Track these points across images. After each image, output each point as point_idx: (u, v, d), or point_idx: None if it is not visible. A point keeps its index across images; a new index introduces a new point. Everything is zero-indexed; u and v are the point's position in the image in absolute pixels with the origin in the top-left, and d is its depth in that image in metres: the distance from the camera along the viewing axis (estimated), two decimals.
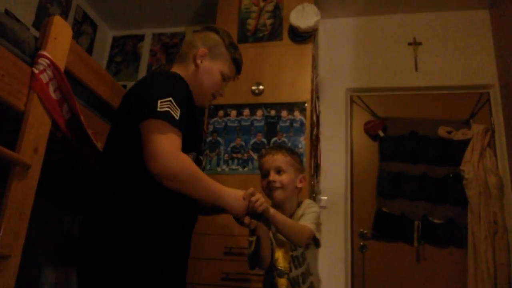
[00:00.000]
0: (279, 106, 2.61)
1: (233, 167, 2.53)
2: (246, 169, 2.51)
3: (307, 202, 1.63)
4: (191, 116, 1.31)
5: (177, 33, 3.76)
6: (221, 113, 2.66)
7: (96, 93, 1.73)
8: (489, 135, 2.91)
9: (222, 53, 1.49)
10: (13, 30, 1.33)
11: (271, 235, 1.53)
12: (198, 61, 1.46)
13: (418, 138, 3.04)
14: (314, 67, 2.85)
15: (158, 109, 1.18)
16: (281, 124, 2.57)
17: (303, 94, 2.61)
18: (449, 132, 2.98)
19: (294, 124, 2.56)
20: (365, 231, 2.92)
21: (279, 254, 1.53)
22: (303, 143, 2.49)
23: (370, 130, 3.14)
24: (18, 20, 2.70)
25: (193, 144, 1.34)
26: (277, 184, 1.58)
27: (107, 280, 1.16)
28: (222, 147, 2.58)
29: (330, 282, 2.58)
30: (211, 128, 2.64)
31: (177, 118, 1.20)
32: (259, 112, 2.63)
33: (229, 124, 2.64)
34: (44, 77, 1.37)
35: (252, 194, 1.31)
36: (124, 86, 3.48)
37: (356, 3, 3.28)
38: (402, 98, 3.20)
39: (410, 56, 3.22)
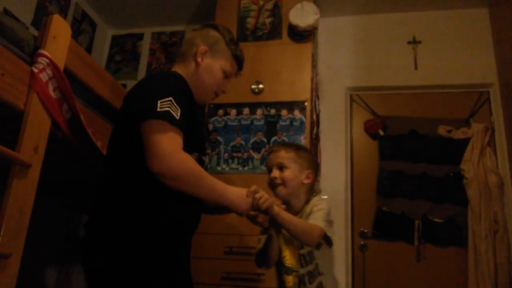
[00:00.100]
0: (279, 105, 2.61)
1: (233, 166, 2.53)
2: (246, 168, 2.51)
3: (315, 199, 1.60)
4: (193, 116, 1.31)
5: (176, 32, 3.75)
6: (221, 112, 2.66)
7: (95, 92, 1.72)
8: (489, 134, 2.91)
9: (222, 50, 1.48)
10: (12, 29, 1.32)
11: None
12: (199, 59, 1.45)
13: (418, 137, 3.03)
14: (314, 66, 2.85)
15: (158, 109, 1.18)
16: (281, 123, 2.57)
17: (303, 93, 2.61)
18: (449, 131, 2.98)
19: (294, 123, 2.55)
20: (365, 231, 2.92)
21: (287, 252, 1.53)
22: (303, 142, 2.49)
23: (370, 129, 3.14)
24: (17, 19, 2.69)
25: (195, 144, 1.34)
26: (278, 181, 1.57)
27: (110, 281, 1.16)
28: (222, 146, 2.58)
29: (330, 282, 2.57)
30: (211, 127, 2.63)
31: (178, 117, 1.19)
32: (259, 111, 2.63)
33: (229, 123, 2.63)
34: (43, 76, 1.37)
35: (256, 192, 1.30)
36: (124, 85, 3.48)
37: (355, 1, 3.27)
38: (402, 97, 3.20)
39: (410, 55, 3.22)
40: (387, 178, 2.98)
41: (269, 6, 2.90)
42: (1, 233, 1.18)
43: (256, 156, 2.52)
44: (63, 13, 3.23)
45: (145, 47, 3.79)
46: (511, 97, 2.75)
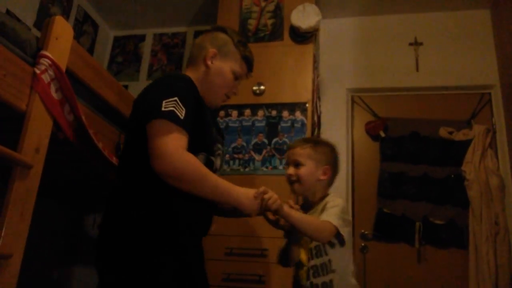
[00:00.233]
0: (280, 107, 2.61)
1: (234, 167, 2.53)
2: (247, 169, 2.51)
3: (330, 195, 1.59)
4: (200, 117, 1.31)
5: (178, 33, 3.76)
6: (222, 113, 2.66)
7: (97, 93, 1.73)
8: (490, 135, 2.91)
9: (231, 52, 1.49)
10: (14, 30, 1.32)
11: None
12: (208, 62, 1.46)
13: (419, 138, 3.03)
14: (315, 67, 2.85)
15: (163, 109, 1.19)
16: (282, 124, 2.57)
17: (304, 95, 2.61)
18: (450, 133, 2.98)
19: (295, 125, 2.55)
20: (366, 232, 2.92)
21: (301, 248, 1.54)
22: None
23: (371, 131, 3.14)
24: (19, 20, 2.70)
25: (202, 144, 1.34)
26: (293, 178, 1.58)
27: (121, 282, 1.18)
28: (223, 148, 2.58)
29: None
30: None
31: (182, 117, 1.20)
32: (260, 113, 2.63)
33: (230, 124, 2.64)
34: (45, 77, 1.37)
35: (264, 192, 1.29)
36: (125, 86, 3.49)
37: (357, 3, 3.28)
38: (403, 99, 3.20)
39: (411, 56, 3.22)
40: (388, 180, 2.98)
41: (271, 7, 2.91)
42: (2, 234, 1.18)
43: (257, 157, 2.52)
44: (66, 14, 3.24)
45: (147, 48, 3.80)
46: None
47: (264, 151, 2.53)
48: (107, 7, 3.58)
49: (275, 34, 2.82)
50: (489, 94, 3.07)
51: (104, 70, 1.90)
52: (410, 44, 3.24)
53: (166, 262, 1.20)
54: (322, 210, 1.50)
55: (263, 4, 2.92)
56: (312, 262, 1.50)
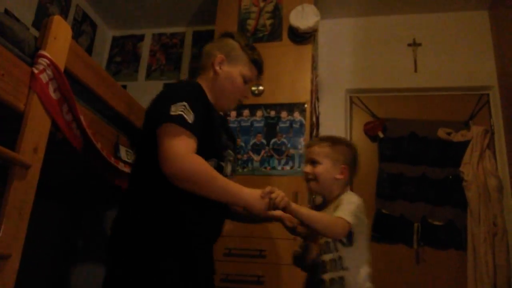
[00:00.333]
0: (278, 107, 2.61)
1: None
2: (245, 169, 2.51)
3: (346, 193, 1.58)
4: (210, 123, 1.33)
5: (177, 33, 3.76)
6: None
7: (95, 93, 1.72)
8: (488, 136, 2.91)
9: (239, 56, 1.50)
10: (12, 29, 1.32)
11: None
12: (217, 68, 1.47)
13: (417, 139, 3.04)
14: (314, 67, 2.85)
15: (171, 113, 1.21)
16: (281, 125, 2.57)
17: (303, 95, 2.61)
18: (449, 134, 2.98)
19: (294, 125, 2.55)
20: None
21: (315, 246, 1.55)
22: (302, 144, 2.49)
23: (369, 131, 3.14)
24: (17, 20, 2.69)
25: (212, 150, 1.35)
26: (310, 176, 1.59)
27: (126, 284, 1.20)
28: None
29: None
30: None
31: (191, 121, 1.22)
32: (259, 113, 2.63)
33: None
34: (43, 77, 1.37)
35: (271, 192, 1.30)
36: (124, 86, 3.49)
37: (356, 3, 3.28)
38: (402, 99, 3.21)
39: (410, 57, 3.22)
40: (386, 180, 2.98)
41: (270, 7, 2.91)
42: (0, 234, 1.18)
43: (255, 157, 2.52)
44: (64, 14, 3.23)
45: (145, 48, 3.80)
46: (511, 99, 2.76)
47: (262, 152, 2.53)
48: (105, 7, 3.58)
49: (273, 35, 2.82)
50: (488, 95, 3.08)
51: (103, 70, 1.90)
52: (409, 45, 3.25)
53: (172, 267, 1.21)
54: (336, 207, 1.48)
55: (262, 4, 2.92)
56: (322, 258, 1.50)
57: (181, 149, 1.18)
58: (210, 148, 1.33)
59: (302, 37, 2.73)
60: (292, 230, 1.48)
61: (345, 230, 1.39)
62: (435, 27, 3.25)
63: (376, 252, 2.86)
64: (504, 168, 2.82)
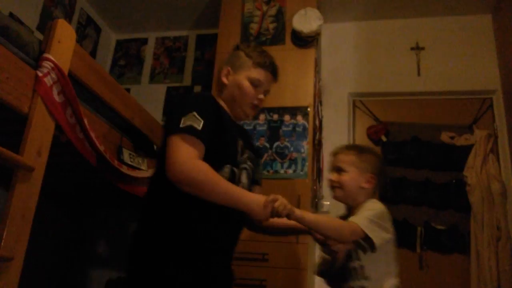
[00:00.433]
0: (281, 111, 2.61)
1: None
2: None
3: (368, 200, 1.55)
4: (221, 130, 1.34)
5: (180, 37, 3.77)
6: None
7: (99, 96, 1.73)
8: (492, 140, 2.90)
9: (244, 62, 1.51)
10: (17, 33, 1.33)
11: None
12: (224, 79, 1.51)
13: (420, 143, 3.03)
14: (317, 71, 2.85)
15: (181, 125, 1.24)
16: (284, 128, 2.57)
17: (306, 99, 2.61)
18: (452, 138, 2.97)
19: (297, 129, 2.55)
20: None
21: None
22: (305, 147, 2.49)
23: (372, 135, 3.14)
24: (22, 23, 2.71)
25: (225, 157, 1.36)
26: (335, 184, 1.58)
27: None
28: None
29: None
30: None
31: (199, 128, 1.24)
32: (262, 116, 2.63)
33: None
34: (48, 80, 1.38)
35: (274, 200, 1.29)
36: (128, 90, 3.50)
37: (359, 7, 3.28)
38: (405, 103, 3.20)
39: (413, 61, 3.22)
40: (389, 184, 2.97)
41: (273, 11, 2.91)
42: (4, 237, 1.18)
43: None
44: (68, 18, 3.25)
45: (149, 51, 3.81)
46: None
47: (265, 155, 2.53)
48: (109, 10, 3.59)
49: (276, 38, 2.83)
50: (491, 99, 3.07)
51: (107, 73, 1.91)
52: (412, 48, 3.24)
53: (186, 277, 1.24)
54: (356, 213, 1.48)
55: (265, 8, 2.93)
56: (345, 266, 1.48)
57: (183, 155, 1.21)
58: (223, 153, 1.35)
59: (305, 41, 2.73)
60: (322, 243, 1.46)
61: (354, 234, 1.38)
62: (438, 31, 3.25)
63: None
64: (508, 172, 2.81)
